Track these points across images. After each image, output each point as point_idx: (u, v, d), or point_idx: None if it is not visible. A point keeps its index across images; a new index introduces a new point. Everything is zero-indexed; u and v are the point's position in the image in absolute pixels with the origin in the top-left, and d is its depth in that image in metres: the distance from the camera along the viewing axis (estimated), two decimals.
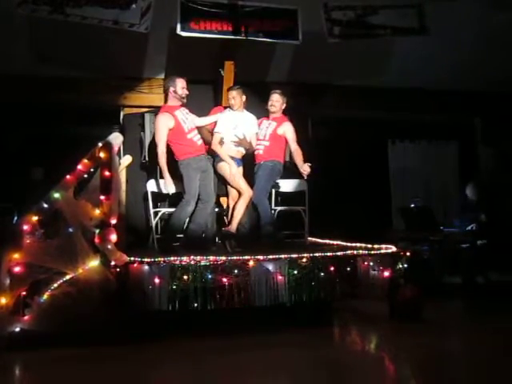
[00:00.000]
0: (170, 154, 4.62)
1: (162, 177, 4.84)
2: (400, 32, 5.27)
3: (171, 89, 4.64)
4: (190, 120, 4.69)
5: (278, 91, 5.05)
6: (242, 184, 4.72)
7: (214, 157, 4.81)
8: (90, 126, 6.22)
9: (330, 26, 5.12)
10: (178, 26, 4.90)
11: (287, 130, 4.93)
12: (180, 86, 4.63)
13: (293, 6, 5.18)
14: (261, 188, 4.80)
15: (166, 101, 4.78)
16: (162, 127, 4.52)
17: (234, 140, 4.80)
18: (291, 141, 4.91)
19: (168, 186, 4.55)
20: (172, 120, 4.55)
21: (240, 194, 4.73)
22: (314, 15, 5.14)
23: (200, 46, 5.29)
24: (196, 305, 3.62)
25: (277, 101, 4.98)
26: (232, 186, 4.81)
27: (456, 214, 6.61)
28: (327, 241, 5.11)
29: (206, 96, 6.04)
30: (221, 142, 4.79)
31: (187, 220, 4.63)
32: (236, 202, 4.73)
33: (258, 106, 5.23)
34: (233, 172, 4.71)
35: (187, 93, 4.67)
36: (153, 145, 4.73)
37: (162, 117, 4.57)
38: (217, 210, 5.07)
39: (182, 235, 4.99)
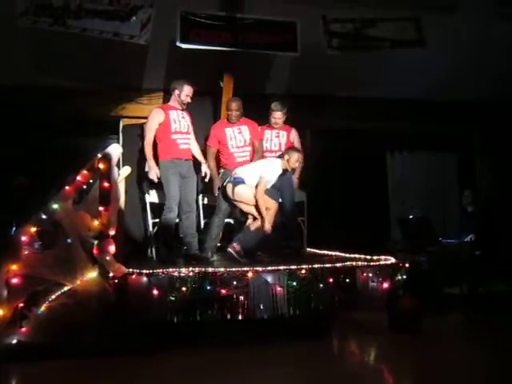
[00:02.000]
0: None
1: (152, 185, 4.88)
2: (398, 44, 5.32)
3: (176, 91, 4.71)
4: (183, 124, 4.73)
5: (279, 107, 5.14)
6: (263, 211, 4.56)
7: (230, 177, 4.69)
8: (88, 137, 6.23)
9: (328, 39, 5.17)
10: (178, 38, 4.94)
11: (295, 136, 5.25)
12: (185, 92, 4.69)
13: (292, 19, 5.23)
14: (293, 203, 4.93)
15: (168, 100, 4.87)
16: (152, 119, 4.66)
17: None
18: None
19: (151, 172, 4.59)
20: (163, 115, 4.64)
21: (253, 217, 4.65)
22: (312, 27, 5.19)
23: (199, 58, 5.33)
24: (195, 316, 3.61)
25: (279, 118, 5.17)
26: (247, 212, 4.66)
27: (455, 225, 6.61)
28: (326, 252, 5.11)
29: (205, 108, 6.08)
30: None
31: (169, 226, 4.57)
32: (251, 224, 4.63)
33: (257, 118, 5.25)
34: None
35: (189, 101, 4.73)
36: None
37: (154, 110, 4.76)
38: (231, 221, 5.10)
39: (179, 245, 4.99)
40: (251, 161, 4.95)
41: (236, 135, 5.00)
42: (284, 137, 5.18)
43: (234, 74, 5.50)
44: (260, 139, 5.13)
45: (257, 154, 5.03)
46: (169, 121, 4.63)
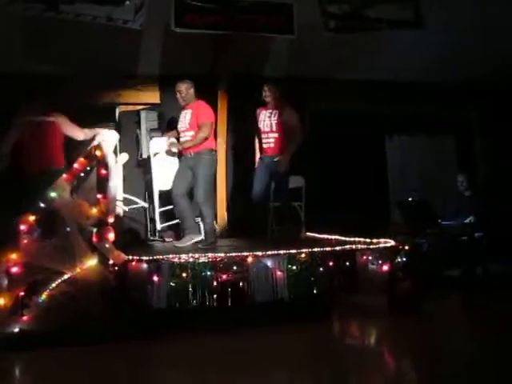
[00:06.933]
0: None
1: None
2: (396, 25, 5.24)
3: None
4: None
5: (268, 83, 5.20)
6: None
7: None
8: (84, 125, 6.17)
9: (325, 20, 5.10)
10: (173, 22, 4.87)
11: (289, 116, 5.06)
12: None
13: (288, 1, 5.15)
14: (277, 188, 5.03)
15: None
16: None
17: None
18: (294, 128, 5.03)
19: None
20: None
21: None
22: (309, 9, 5.11)
23: (195, 42, 5.26)
24: (195, 302, 3.62)
25: (267, 92, 5.17)
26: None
27: (454, 207, 6.61)
28: (325, 236, 5.11)
29: (200, 92, 6.03)
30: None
31: None
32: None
33: (256, 101, 5.23)
34: None
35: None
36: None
37: None
38: None
39: None
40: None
41: (181, 119, 4.99)
42: (275, 116, 5.12)
43: (230, 58, 5.46)
44: (205, 121, 4.85)
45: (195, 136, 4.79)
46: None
